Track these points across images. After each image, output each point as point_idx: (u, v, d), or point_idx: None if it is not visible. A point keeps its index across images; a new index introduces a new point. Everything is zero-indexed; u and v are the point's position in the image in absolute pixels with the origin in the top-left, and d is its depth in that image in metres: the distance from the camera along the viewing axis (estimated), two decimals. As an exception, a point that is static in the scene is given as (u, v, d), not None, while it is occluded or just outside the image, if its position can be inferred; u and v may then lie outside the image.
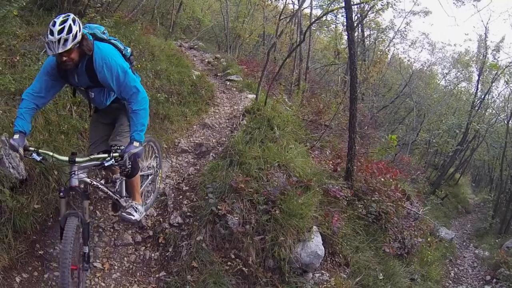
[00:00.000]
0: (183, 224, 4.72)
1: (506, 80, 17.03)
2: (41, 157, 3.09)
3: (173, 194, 5.23)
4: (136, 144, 3.24)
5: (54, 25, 2.92)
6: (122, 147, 3.48)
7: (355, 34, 13.95)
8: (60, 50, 2.94)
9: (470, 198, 22.43)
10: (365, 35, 17.61)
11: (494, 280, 9.36)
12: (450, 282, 8.71)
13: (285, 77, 12.78)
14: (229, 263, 4.37)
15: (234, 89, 10.16)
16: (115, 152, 3.31)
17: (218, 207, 4.62)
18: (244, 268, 4.32)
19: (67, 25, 2.95)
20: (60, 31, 2.91)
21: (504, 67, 16.25)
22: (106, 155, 3.18)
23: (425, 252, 7.49)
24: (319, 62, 18.89)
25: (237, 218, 4.57)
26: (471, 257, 11.83)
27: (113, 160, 3.15)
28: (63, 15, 3.01)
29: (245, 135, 6.15)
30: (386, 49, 19.07)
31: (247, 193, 4.80)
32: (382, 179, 6.84)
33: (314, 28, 16.37)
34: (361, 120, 11.17)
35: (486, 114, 20.30)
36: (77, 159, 3.14)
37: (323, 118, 8.89)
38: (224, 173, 5.15)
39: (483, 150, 21.47)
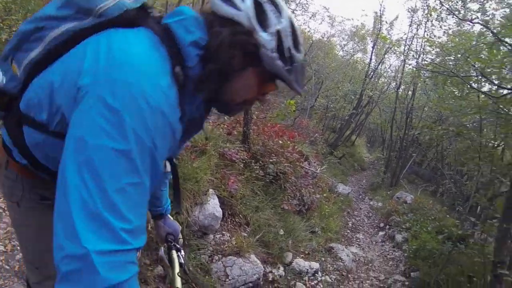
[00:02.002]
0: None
1: (395, 52, 18.38)
2: None
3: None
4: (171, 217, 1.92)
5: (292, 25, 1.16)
6: None
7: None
8: None
9: (366, 157, 24.15)
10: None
11: (387, 226, 10.22)
12: (349, 231, 9.34)
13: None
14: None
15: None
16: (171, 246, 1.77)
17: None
18: (142, 238, 4.27)
19: None
20: None
21: (395, 41, 17.50)
22: (176, 259, 1.69)
23: (324, 207, 7.96)
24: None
25: (132, 188, 4.47)
26: (367, 208, 12.71)
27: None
28: None
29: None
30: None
31: (140, 161, 4.69)
32: (280, 142, 7.07)
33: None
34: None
35: (379, 82, 21.81)
36: None
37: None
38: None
39: (376, 114, 23.12)
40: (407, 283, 6.68)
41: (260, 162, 6.27)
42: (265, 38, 1.09)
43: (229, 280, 4.46)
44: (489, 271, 5.14)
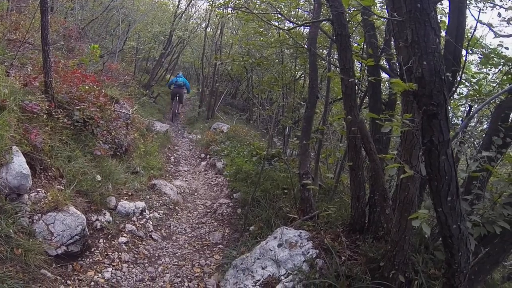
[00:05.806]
0: None
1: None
2: None
3: None
4: None
5: None
6: None
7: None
8: None
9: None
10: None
11: (208, 156, 10.86)
12: (172, 166, 9.59)
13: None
14: None
15: None
16: None
17: None
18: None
19: None
20: None
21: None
22: None
23: (141, 147, 8.04)
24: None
25: None
26: (187, 142, 13.23)
27: None
28: None
29: None
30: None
31: None
32: (87, 87, 6.73)
33: None
34: (66, 34, 10.60)
35: (190, 23, 22.05)
36: None
37: (25, 35, 7.91)
38: None
39: (188, 53, 23.59)
40: (231, 204, 7.34)
41: (66, 110, 5.94)
42: None
43: (55, 237, 4.38)
44: (298, 182, 5.92)
